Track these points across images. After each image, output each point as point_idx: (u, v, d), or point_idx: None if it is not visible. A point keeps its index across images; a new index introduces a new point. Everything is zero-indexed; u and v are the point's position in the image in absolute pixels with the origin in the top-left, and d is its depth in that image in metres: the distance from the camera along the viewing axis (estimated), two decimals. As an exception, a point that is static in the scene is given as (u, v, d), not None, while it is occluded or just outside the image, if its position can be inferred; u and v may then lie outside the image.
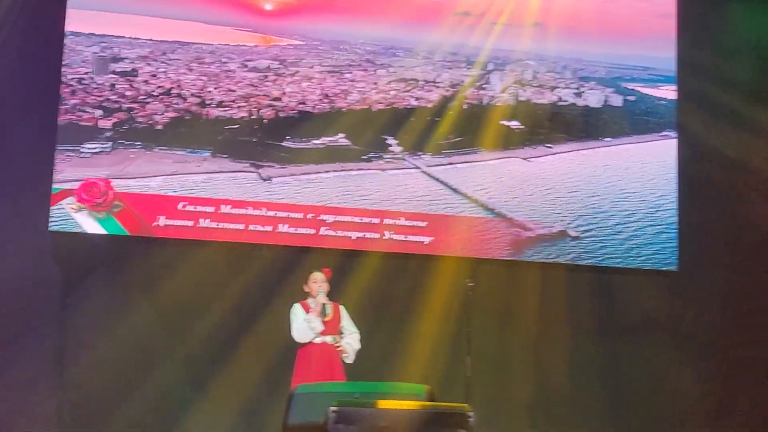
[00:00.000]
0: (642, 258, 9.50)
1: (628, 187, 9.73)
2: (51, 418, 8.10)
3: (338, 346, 7.08)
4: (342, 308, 7.25)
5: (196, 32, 9.04)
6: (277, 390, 7.88)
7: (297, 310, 7.11)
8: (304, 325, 7.00)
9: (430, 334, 8.70)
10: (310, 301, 7.15)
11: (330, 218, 8.95)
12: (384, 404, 4.76)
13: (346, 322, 7.21)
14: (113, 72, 8.79)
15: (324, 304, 7.06)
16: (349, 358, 7.11)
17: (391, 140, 9.28)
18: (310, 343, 7.02)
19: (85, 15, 8.73)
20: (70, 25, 8.62)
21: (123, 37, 8.87)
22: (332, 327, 7.10)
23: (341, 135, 9.21)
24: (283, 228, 8.84)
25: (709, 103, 9.68)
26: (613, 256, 9.45)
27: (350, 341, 7.16)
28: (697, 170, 9.68)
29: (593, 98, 9.75)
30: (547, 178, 9.56)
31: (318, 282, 7.13)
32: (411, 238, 9.08)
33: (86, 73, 8.72)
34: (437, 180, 9.30)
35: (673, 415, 9.21)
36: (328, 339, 7.07)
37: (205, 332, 8.50)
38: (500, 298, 9.06)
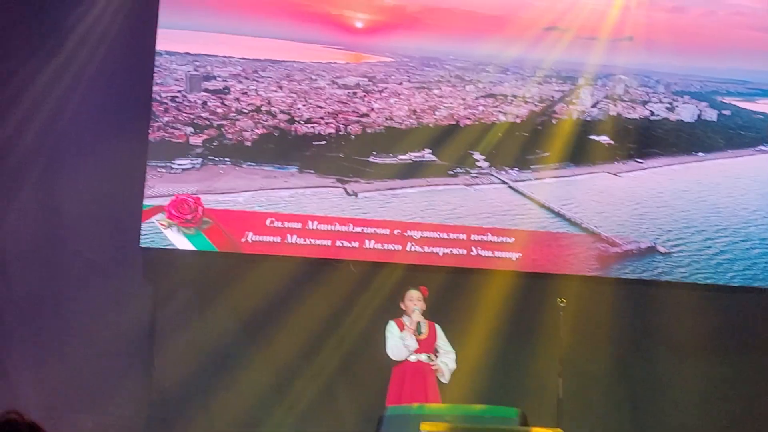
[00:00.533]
0: (732, 274, 9.23)
1: (720, 203, 9.47)
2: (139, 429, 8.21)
3: (433, 365, 7.01)
4: (437, 327, 7.20)
5: (288, 50, 9.10)
6: (370, 407, 7.90)
7: (392, 327, 7.08)
8: (398, 342, 6.95)
9: (520, 353, 8.60)
10: (405, 318, 7.11)
11: (417, 234, 8.90)
12: (475, 430, 4.68)
13: (442, 342, 7.15)
14: (205, 90, 8.90)
15: (419, 323, 7.00)
16: (445, 378, 7.04)
17: (477, 155, 9.20)
18: (405, 361, 6.97)
19: (178, 35, 8.85)
20: (162, 45, 8.75)
21: (216, 56, 8.97)
22: (427, 346, 7.05)
23: (427, 150, 9.16)
24: (369, 244, 8.83)
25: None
26: (702, 272, 9.20)
27: (446, 361, 7.09)
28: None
29: (686, 113, 9.53)
30: (636, 193, 9.36)
31: (414, 300, 7.09)
32: (498, 254, 8.98)
33: (179, 91, 8.84)
34: (523, 195, 9.18)
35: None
36: (423, 357, 7.03)
37: (294, 349, 8.54)
38: (590, 316, 8.88)
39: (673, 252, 9.17)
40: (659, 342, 9.09)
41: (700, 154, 9.56)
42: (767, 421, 9.00)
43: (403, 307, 7.15)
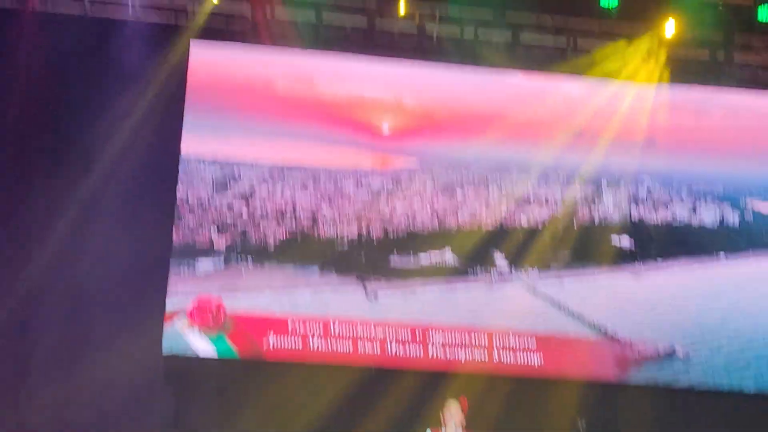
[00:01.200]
0: (755, 378, 9.20)
1: (741, 305, 9.43)
2: None
3: None
4: None
5: (314, 154, 9.07)
6: None
7: None
8: None
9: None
10: (442, 429, 6.98)
11: (439, 338, 8.86)
12: None
13: None
14: (231, 193, 8.87)
15: None
16: None
17: (498, 255, 9.18)
18: None
19: (205, 138, 8.83)
20: (188, 148, 8.73)
21: (243, 162, 8.95)
22: None
23: (447, 249, 9.14)
24: (391, 348, 8.78)
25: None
26: (723, 375, 9.16)
27: None
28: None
29: (708, 215, 9.51)
30: (656, 293, 9.33)
31: (451, 410, 6.96)
32: (521, 357, 8.95)
33: (204, 193, 8.82)
34: (543, 297, 9.16)
35: None
36: None
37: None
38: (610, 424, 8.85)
39: (692, 355, 9.13)
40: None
41: (722, 254, 9.53)
42: None
43: (441, 417, 7.02)
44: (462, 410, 6.97)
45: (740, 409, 9.15)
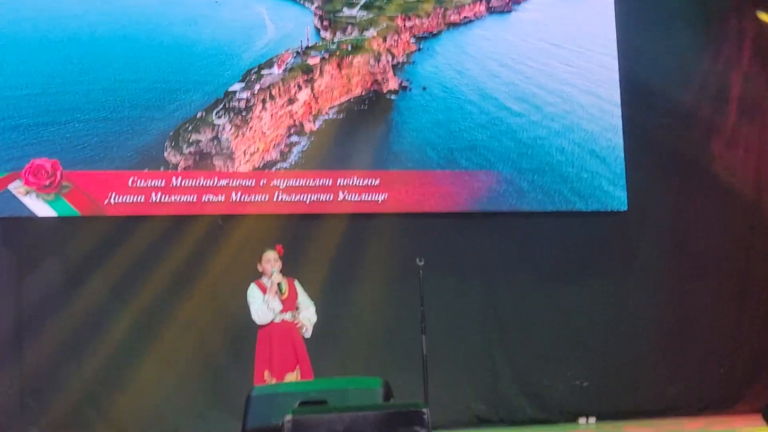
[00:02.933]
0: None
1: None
2: (15, 407, 8.11)
3: (297, 323, 7.08)
4: (296, 283, 7.20)
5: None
6: (242, 363, 8.01)
7: (254, 292, 7.06)
8: (263, 307, 6.95)
9: (382, 309, 8.85)
10: (264, 280, 7.10)
11: (282, 183, 8.92)
12: (339, 408, 4.81)
13: (302, 297, 7.17)
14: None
15: (279, 283, 7.02)
16: (308, 333, 7.10)
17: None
18: (270, 323, 7.02)
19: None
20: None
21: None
22: (290, 303, 7.06)
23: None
24: (235, 197, 8.80)
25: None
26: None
27: (307, 315, 7.14)
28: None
29: None
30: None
31: (271, 261, 7.07)
32: (365, 197, 9.10)
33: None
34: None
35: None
36: (287, 316, 7.05)
37: (164, 309, 8.54)
38: (449, 255, 9.16)
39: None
40: (524, 272, 9.43)
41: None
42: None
43: (260, 269, 7.10)
44: (279, 258, 7.11)
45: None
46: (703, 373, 9.55)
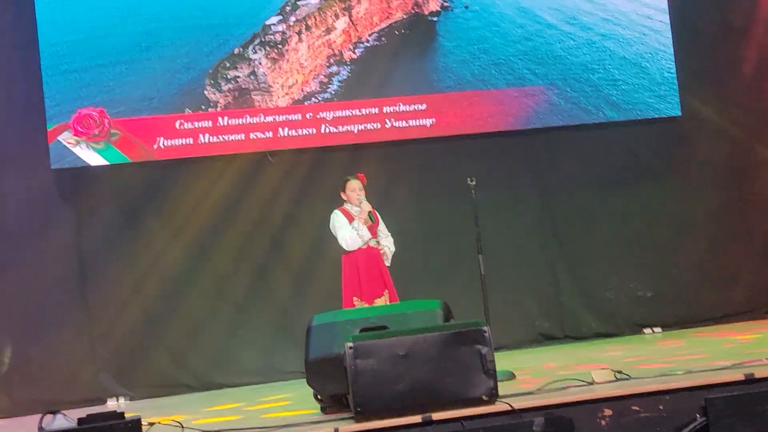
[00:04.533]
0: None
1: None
2: (86, 354, 8.28)
3: (381, 249, 7.07)
4: (377, 212, 7.17)
5: None
6: (309, 299, 8.08)
7: (341, 218, 6.99)
8: (353, 233, 6.90)
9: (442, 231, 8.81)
10: (348, 207, 7.06)
11: (329, 114, 8.87)
12: (399, 332, 4.81)
13: (382, 226, 7.13)
14: None
15: (369, 212, 7.00)
16: (388, 261, 7.09)
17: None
18: (357, 249, 7.00)
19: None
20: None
21: None
22: (373, 231, 7.06)
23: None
24: (283, 132, 8.78)
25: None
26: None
27: (388, 244, 7.12)
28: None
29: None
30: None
31: (356, 190, 7.01)
32: (412, 122, 9.01)
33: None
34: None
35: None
36: (373, 243, 7.05)
37: (227, 248, 8.63)
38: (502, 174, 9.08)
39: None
40: (580, 184, 9.32)
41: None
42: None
43: (344, 197, 7.04)
44: (362, 186, 7.07)
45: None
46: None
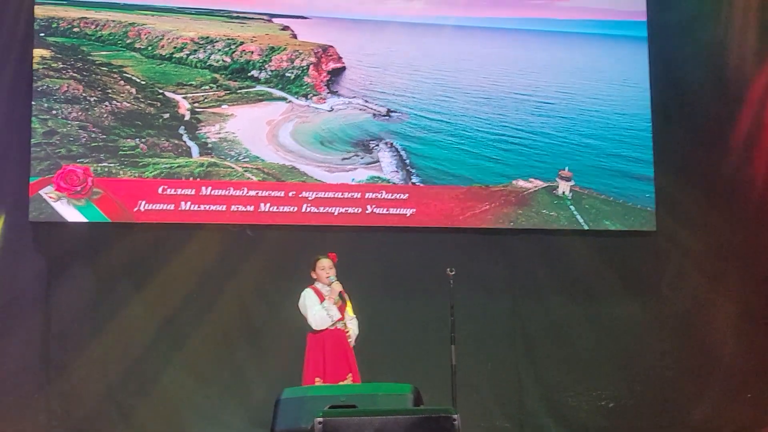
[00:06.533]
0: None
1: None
2: (41, 410, 8.13)
3: (346, 331, 7.06)
4: (345, 294, 7.18)
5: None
6: (274, 375, 8.02)
7: (312, 296, 7.02)
8: (323, 313, 6.93)
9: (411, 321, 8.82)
10: (319, 286, 7.09)
11: (311, 195, 8.95)
12: (369, 412, 4.79)
13: (348, 307, 7.17)
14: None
15: (340, 292, 7.02)
16: (353, 342, 7.11)
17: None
18: (324, 329, 6.99)
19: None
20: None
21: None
22: (342, 312, 7.09)
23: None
24: (264, 207, 8.83)
25: None
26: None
27: (352, 326, 7.14)
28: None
29: None
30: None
31: (326, 269, 7.07)
32: (393, 210, 9.10)
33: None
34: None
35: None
36: (340, 325, 7.05)
37: (194, 316, 8.57)
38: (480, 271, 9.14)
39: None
40: (552, 290, 9.39)
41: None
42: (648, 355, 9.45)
43: (314, 276, 7.10)
44: (333, 266, 7.12)
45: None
46: (730, 396, 9.42)
